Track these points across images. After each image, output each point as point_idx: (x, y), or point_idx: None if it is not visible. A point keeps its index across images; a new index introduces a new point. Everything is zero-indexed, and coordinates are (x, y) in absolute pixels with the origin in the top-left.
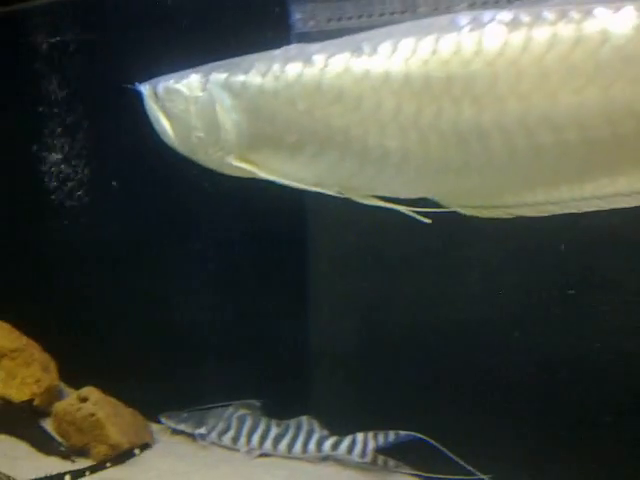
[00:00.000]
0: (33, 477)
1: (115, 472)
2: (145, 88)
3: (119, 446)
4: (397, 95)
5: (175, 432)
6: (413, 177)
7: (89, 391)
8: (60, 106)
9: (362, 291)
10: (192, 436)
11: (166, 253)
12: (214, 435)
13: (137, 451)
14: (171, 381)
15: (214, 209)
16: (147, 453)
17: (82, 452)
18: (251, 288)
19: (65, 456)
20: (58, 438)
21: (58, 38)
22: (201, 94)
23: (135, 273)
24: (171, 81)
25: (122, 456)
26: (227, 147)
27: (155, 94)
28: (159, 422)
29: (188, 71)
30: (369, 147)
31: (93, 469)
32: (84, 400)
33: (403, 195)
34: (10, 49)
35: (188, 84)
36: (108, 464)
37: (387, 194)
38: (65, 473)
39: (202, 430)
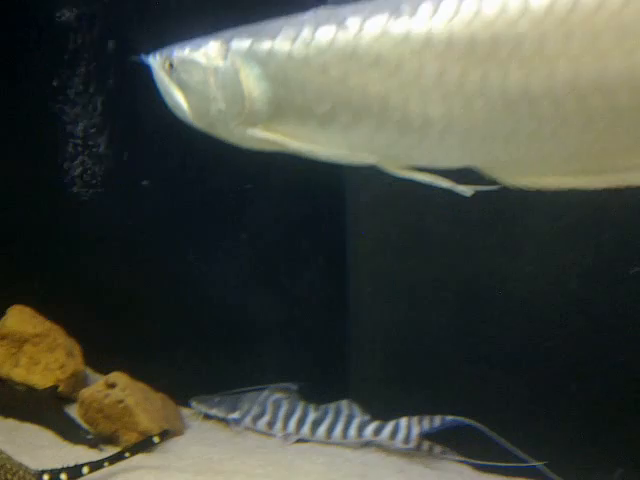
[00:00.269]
0: (51, 468)
1: (147, 460)
2: (154, 59)
3: (149, 433)
4: (440, 59)
5: (207, 417)
6: (456, 145)
7: (117, 376)
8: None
9: (405, 272)
10: (225, 421)
11: (199, 234)
12: (248, 420)
13: (156, 438)
14: (202, 365)
15: (251, 188)
16: (179, 440)
17: (110, 440)
18: (288, 269)
19: (92, 444)
20: (85, 426)
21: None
22: (221, 63)
23: (166, 255)
24: (186, 50)
25: (141, 445)
26: (251, 119)
27: (168, 65)
28: (190, 407)
29: (205, 39)
30: (409, 115)
31: (112, 460)
32: (112, 386)
33: (444, 165)
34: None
35: (206, 53)
36: (127, 454)
37: (426, 164)
38: (83, 465)
39: (235, 415)
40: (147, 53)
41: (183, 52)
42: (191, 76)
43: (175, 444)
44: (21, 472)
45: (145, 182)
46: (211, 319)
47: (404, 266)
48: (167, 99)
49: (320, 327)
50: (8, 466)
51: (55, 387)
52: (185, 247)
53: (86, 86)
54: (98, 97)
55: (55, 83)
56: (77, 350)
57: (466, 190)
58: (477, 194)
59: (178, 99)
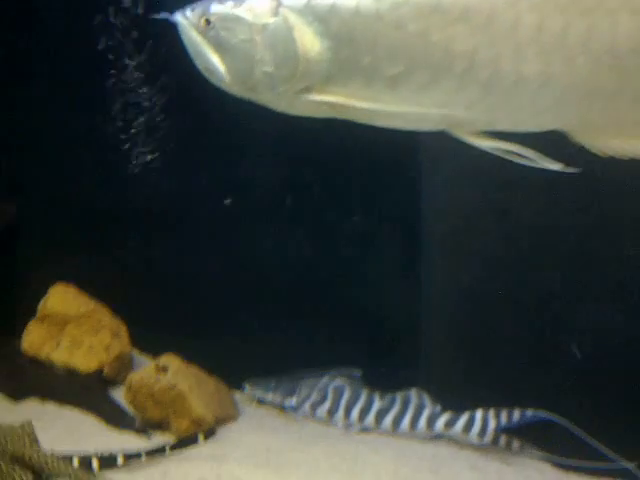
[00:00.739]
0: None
1: (199, 449)
2: (184, 16)
3: (202, 420)
4: (538, 10)
5: (261, 402)
6: (550, 105)
7: (168, 360)
8: None
9: (481, 254)
10: (281, 407)
11: (254, 211)
12: (307, 407)
13: (201, 438)
14: (257, 346)
15: (311, 160)
16: (232, 426)
17: (160, 426)
18: (354, 248)
19: (140, 431)
20: (132, 411)
21: None
22: (271, 20)
23: (219, 231)
24: (227, 5)
25: (184, 442)
26: (304, 82)
27: (204, 22)
28: (243, 391)
29: None
30: (500, 73)
31: (150, 453)
32: (163, 370)
33: (529, 127)
34: None
35: (251, 8)
36: (167, 449)
37: (508, 127)
38: (118, 454)
39: (293, 401)
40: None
41: (224, 7)
42: (232, 35)
43: (229, 431)
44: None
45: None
46: (266, 298)
47: (485, 249)
48: (199, 62)
49: (389, 311)
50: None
51: (100, 370)
52: (235, 224)
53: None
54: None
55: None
56: (123, 331)
57: (555, 165)
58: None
59: (213, 61)
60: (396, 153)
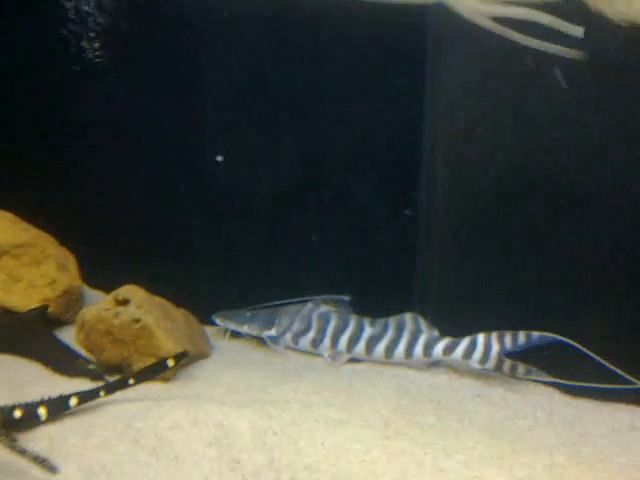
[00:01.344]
0: (26, 402)
1: (171, 390)
2: None
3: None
4: None
5: (235, 335)
6: None
7: (130, 291)
8: None
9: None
10: (258, 340)
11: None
12: (288, 338)
13: (170, 361)
14: (225, 276)
15: None
16: (206, 364)
17: (119, 369)
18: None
19: (95, 376)
20: (85, 354)
21: None
22: None
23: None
24: None
25: (151, 369)
26: None
27: None
28: (213, 324)
29: None
30: None
31: (110, 388)
32: (124, 303)
33: None
34: None
35: None
36: (131, 380)
37: None
38: (70, 395)
39: (272, 332)
40: None
41: None
42: None
43: (203, 369)
44: None
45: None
46: (234, 220)
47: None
48: None
49: (381, 230)
50: None
51: (43, 308)
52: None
53: None
54: None
55: None
56: (72, 263)
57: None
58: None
59: None
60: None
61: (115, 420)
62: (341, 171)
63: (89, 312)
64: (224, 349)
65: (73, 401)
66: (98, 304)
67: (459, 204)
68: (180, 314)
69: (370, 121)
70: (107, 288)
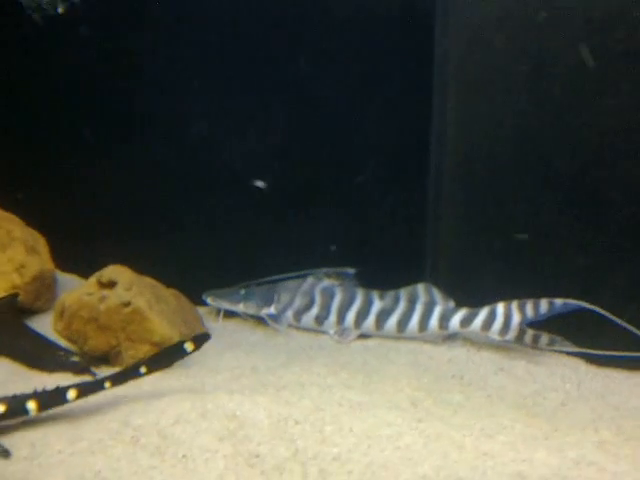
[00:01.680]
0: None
1: (170, 379)
2: None
3: (168, 342)
4: None
5: (228, 315)
6: None
7: (116, 271)
8: None
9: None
10: (255, 319)
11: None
12: (290, 315)
13: (189, 346)
14: (212, 252)
15: None
16: (203, 347)
17: (106, 360)
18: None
19: (80, 369)
20: (65, 344)
21: None
22: None
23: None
24: None
25: (167, 355)
26: None
27: None
28: (204, 304)
29: None
30: None
31: (118, 378)
32: (109, 285)
33: None
34: None
35: None
36: (143, 368)
37: None
38: (68, 387)
39: (271, 309)
40: None
41: None
42: None
43: (200, 353)
44: None
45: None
46: (219, 192)
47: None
48: None
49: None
50: None
51: (12, 296)
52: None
53: None
54: None
55: None
56: (42, 245)
57: None
58: None
59: None
60: None
61: (108, 418)
62: (344, 133)
63: (70, 298)
64: (219, 331)
65: (71, 394)
66: (79, 288)
67: (472, 166)
68: (171, 295)
69: (374, 79)
70: (82, 272)
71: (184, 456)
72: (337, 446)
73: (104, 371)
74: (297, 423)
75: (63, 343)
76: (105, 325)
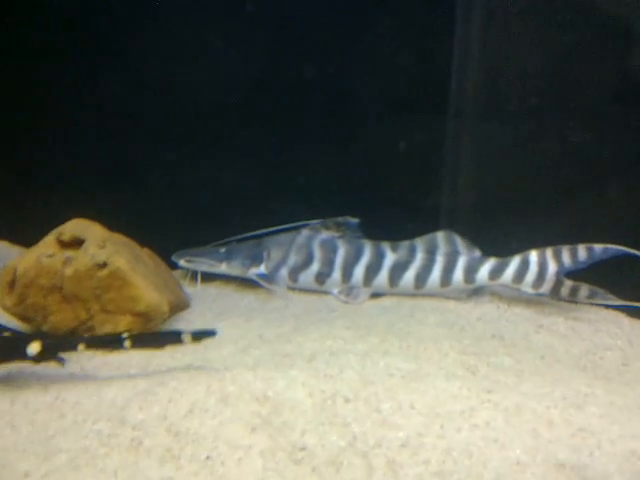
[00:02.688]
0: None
1: (165, 356)
2: None
3: (155, 311)
4: None
5: (209, 278)
6: None
7: (80, 227)
8: None
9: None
10: (238, 281)
11: None
12: (284, 273)
13: (187, 338)
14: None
15: None
16: (188, 315)
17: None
18: None
19: (38, 356)
20: (15, 324)
21: None
22: None
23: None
24: None
25: (156, 339)
26: None
27: None
28: (175, 267)
29: None
30: None
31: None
32: (74, 244)
33: None
34: None
35: None
36: (127, 343)
37: None
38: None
39: (261, 269)
40: None
41: None
42: None
43: (190, 323)
44: None
45: None
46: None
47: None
48: None
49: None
50: None
51: None
52: None
53: None
54: None
55: None
56: None
57: None
58: None
59: None
60: None
61: (93, 416)
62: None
63: (23, 262)
64: (201, 296)
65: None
66: (33, 250)
67: (491, 110)
68: (146, 254)
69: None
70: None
71: (208, 458)
72: (402, 429)
73: (68, 354)
74: (347, 401)
75: (14, 323)
76: (72, 294)
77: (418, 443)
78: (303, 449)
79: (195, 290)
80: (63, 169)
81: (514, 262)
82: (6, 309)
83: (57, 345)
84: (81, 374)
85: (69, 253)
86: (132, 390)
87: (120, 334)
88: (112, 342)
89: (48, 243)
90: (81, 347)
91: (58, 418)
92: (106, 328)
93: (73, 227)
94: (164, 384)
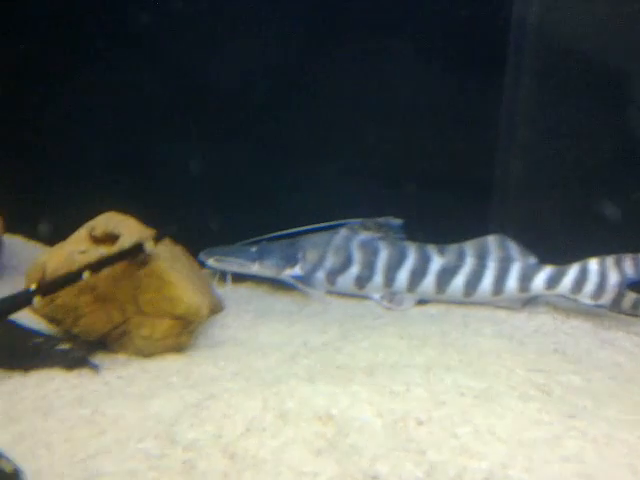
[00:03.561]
0: None
1: (205, 363)
2: None
3: (195, 314)
4: None
5: (239, 278)
6: None
7: (114, 221)
8: None
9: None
10: (269, 283)
11: None
12: (321, 276)
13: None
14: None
15: None
16: (226, 319)
17: (103, 344)
18: None
19: (73, 362)
20: (46, 327)
21: None
22: None
23: None
24: None
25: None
26: None
27: None
28: (202, 266)
29: None
30: None
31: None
32: (107, 239)
33: None
34: None
35: None
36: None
37: None
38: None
39: (296, 270)
40: None
41: None
42: None
43: (226, 328)
44: None
45: None
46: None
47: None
48: None
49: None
50: None
51: None
52: None
53: None
54: None
55: None
56: None
57: None
58: None
59: None
60: None
61: (137, 433)
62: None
63: (53, 259)
64: (233, 298)
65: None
66: (63, 246)
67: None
68: (179, 251)
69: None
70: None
71: None
72: (484, 458)
73: (102, 358)
74: (420, 424)
75: (43, 325)
76: (106, 295)
77: (503, 476)
78: (375, 478)
79: (225, 291)
80: (79, 163)
81: (572, 271)
82: (34, 310)
83: None
84: (118, 383)
85: (102, 249)
86: (179, 403)
87: None
88: None
89: (79, 238)
90: None
91: (98, 435)
92: (142, 332)
93: (105, 221)
94: (215, 397)
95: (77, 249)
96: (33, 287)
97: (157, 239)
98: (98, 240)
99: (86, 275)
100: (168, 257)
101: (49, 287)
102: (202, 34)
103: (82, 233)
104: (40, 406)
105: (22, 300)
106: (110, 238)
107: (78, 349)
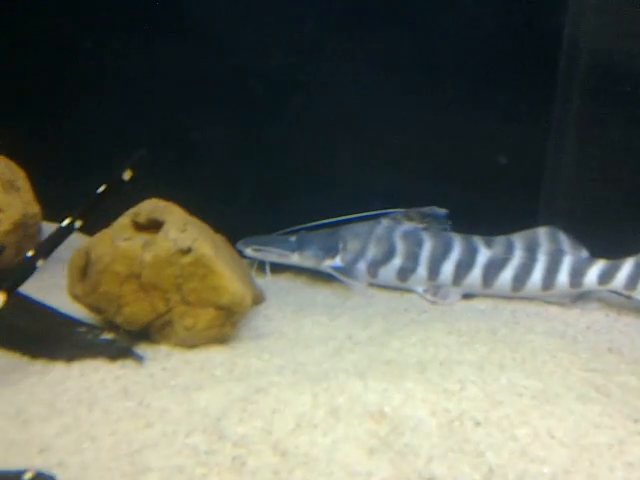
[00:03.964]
0: None
1: (248, 355)
2: None
3: (239, 304)
4: None
5: (276, 269)
6: None
7: (158, 207)
8: None
9: None
10: (308, 273)
11: None
12: (362, 267)
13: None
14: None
15: None
16: (267, 310)
17: (145, 335)
18: None
19: (117, 353)
20: (87, 315)
21: None
22: None
23: None
24: None
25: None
26: None
27: None
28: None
29: None
30: None
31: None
32: (151, 226)
33: None
34: None
35: None
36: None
37: None
38: None
39: (336, 261)
40: None
41: None
42: None
43: (269, 320)
44: None
45: None
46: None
47: None
48: None
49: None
50: None
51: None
52: None
53: None
54: None
55: None
56: (22, 179)
57: None
58: None
59: None
60: None
61: (184, 426)
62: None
63: (97, 246)
64: (272, 289)
65: None
66: (105, 233)
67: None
68: (220, 241)
69: None
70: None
71: None
72: (545, 462)
73: (143, 351)
74: (477, 425)
75: (84, 313)
76: (151, 283)
77: None
78: None
79: (264, 282)
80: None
81: (627, 265)
82: (76, 298)
83: None
84: (163, 375)
85: (146, 237)
86: (226, 397)
87: None
88: None
89: (123, 225)
90: None
91: (144, 428)
92: (185, 322)
93: (150, 208)
94: (263, 391)
95: (121, 236)
96: (30, 254)
97: (131, 167)
98: (142, 227)
99: (78, 224)
100: (212, 245)
101: (46, 247)
102: None
103: (125, 220)
104: (85, 398)
105: (27, 267)
106: (154, 224)
107: (122, 339)
